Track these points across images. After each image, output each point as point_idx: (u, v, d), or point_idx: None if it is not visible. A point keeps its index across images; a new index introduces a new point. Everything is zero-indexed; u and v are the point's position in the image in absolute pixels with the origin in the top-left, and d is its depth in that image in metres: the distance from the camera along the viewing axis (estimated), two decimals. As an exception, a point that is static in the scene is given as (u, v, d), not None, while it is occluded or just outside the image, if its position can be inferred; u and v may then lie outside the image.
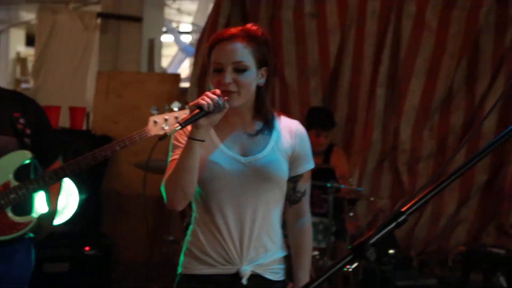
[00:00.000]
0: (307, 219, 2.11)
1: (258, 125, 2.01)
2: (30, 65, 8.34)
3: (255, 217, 1.96)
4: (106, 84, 5.79)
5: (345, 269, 3.66)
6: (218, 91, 1.86)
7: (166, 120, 2.75)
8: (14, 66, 8.61)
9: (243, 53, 1.91)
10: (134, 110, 5.72)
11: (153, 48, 6.42)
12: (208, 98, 1.81)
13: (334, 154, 4.44)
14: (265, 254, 1.99)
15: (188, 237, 2.04)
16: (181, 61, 7.49)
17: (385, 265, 3.67)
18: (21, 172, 2.63)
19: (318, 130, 4.29)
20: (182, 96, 5.63)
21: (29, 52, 8.86)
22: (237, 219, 1.96)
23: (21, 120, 2.64)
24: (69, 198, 3.29)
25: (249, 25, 1.99)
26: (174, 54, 7.74)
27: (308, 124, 4.36)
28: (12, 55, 8.65)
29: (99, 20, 6.38)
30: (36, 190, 2.62)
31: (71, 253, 4.11)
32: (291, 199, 2.07)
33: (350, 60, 5.20)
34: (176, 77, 5.95)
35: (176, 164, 1.89)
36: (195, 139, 1.85)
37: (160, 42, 6.77)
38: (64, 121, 4.86)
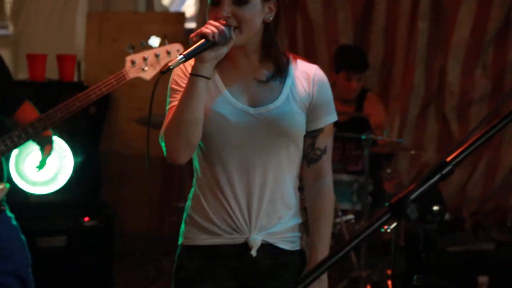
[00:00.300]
0: (329, 180, 2.09)
1: (269, 70, 2.00)
2: (7, 7, 8.32)
3: (265, 179, 1.98)
4: (98, 27, 5.80)
5: (382, 230, 3.75)
6: (222, 21, 1.87)
7: (145, 59, 2.80)
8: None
9: None
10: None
11: (152, -17, 6.39)
12: (212, 27, 1.83)
13: (368, 101, 4.45)
14: (279, 221, 2.01)
15: (189, 202, 2.08)
16: (185, -3, 7.44)
17: (430, 223, 3.69)
18: None
19: (349, 73, 4.29)
20: (187, 38, 5.63)
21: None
22: (244, 181, 1.97)
23: None
24: (63, 162, 3.33)
25: None
26: (177, -11, 7.68)
27: (337, 66, 4.36)
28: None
29: (87, -50, 6.34)
30: (5, 153, 2.68)
31: (68, 225, 4.18)
32: (310, 157, 2.06)
33: (386, -12, 5.13)
34: (180, 17, 5.93)
35: (177, 107, 1.90)
36: (200, 76, 1.87)
37: (160, -25, 6.72)
38: (51, 71, 4.88)
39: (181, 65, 1.95)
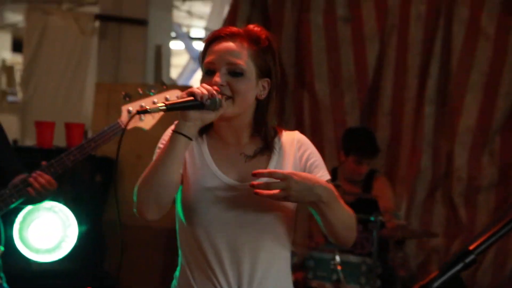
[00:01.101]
0: None
1: (257, 145, 1.98)
2: (17, 75, 8.45)
3: (256, 257, 1.91)
4: (107, 97, 5.86)
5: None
6: (216, 87, 1.84)
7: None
8: (-2, 76, 8.73)
9: (241, 54, 1.90)
10: (139, 128, 5.76)
11: (161, 56, 6.50)
12: (203, 88, 1.80)
13: (377, 183, 4.45)
14: None
15: (175, 282, 2.02)
16: (193, 71, 7.57)
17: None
18: None
19: (359, 158, 4.29)
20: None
21: (16, 60, 8.99)
22: (234, 259, 1.91)
23: None
24: (67, 230, 3.33)
25: (251, 26, 1.97)
26: (185, 63, 7.83)
27: (346, 148, 4.35)
28: (-4, 62, 8.79)
29: (97, 23, 6.47)
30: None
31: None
32: None
33: (391, 72, 5.19)
34: (188, 90, 5.99)
35: (153, 163, 1.86)
36: (181, 134, 1.82)
37: (169, 49, 6.85)
38: (59, 139, 4.92)
39: None
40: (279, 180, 1.81)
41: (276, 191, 1.80)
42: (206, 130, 1.98)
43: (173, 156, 1.82)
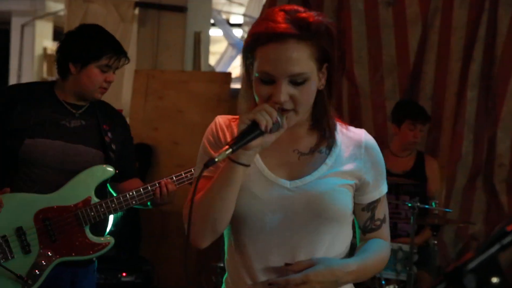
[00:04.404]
0: (387, 244, 1.90)
1: (313, 140, 1.81)
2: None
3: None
4: (145, 84, 5.90)
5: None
6: (277, 105, 1.68)
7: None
8: (40, 64, 8.84)
9: (301, 58, 1.68)
10: (177, 114, 5.80)
11: (199, 43, 6.51)
12: (267, 115, 1.63)
13: (428, 164, 4.52)
14: None
15: (226, 270, 1.89)
16: (232, 58, 7.57)
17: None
18: (99, 188, 2.86)
19: (414, 121, 4.38)
20: (233, 99, 5.67)
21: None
22: (281, 268, 1.74)
23: (109, 134, 2.92)
24: (104, 215, 3.36)
25: (293, 10, 1.71)
26: (224, 50, 7.82)
27: (399, 117, 4.47)
28: (38, 51, 8.89)
29: (137, 10, 6.51)
30: (116, 211, 2.83)
31: (105, 279, 4.18)
32: (369, 228, 1.87)
33: (434, 57, 5.14)
34: (226, 77, 6.01)
35: (208, 191, 1.71)
36: (239, 163, 1.67)
37: (208, 36, 6.85)
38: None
39: (221, 122, 1.83)
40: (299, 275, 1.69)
41: None
42: None
43: (231, 185, 1.68)
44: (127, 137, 3.05)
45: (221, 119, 1.86)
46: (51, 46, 9.20)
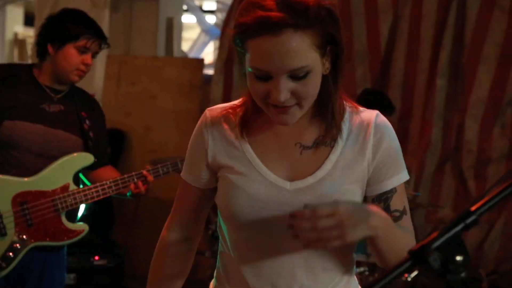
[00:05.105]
0: (412, 232, 1.69)
1: (317, 130, 1.61)
2: (29, 48, 8.45)
3: (308, 274, 1.62)
4: (118, 69, 5.88)
5: (403, 278, 3.64)
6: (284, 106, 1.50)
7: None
8: (11, 49, 8.75)
9: (300, 50, 1.44)
10: (149, 100, 5.80)
11: (172, 29, 6.48)
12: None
13: None
14: None
15: (216, 272, 1.78)
16: (205, 44, 7.54)
17: (452, 274, 3.64)
18: (76, 176, 2.88)
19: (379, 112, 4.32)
20: (206, 85, 5.68)
21: (28, 33, 9.00)
22: (280, 275, 1.61)
23: (87, 122, 2.93)
24: (76, 199, 3.36)
25: None
26: (196, 36, 7.79)
27: (364, 106, 4.36)
28: (8, 36, 8.79)
29: (109, -4, 6.47)
30: (93, 199, 2.85)
31: (78, 262, 4.17)
32: None
33: (404, 44, 5.19)
34: (199, 63, 6.00)
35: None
36: None
37: (180, 23, 6.83)
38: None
39: (212, 117, 1.65)
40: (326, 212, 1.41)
41: (329, 236, 1.41)
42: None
43: None
44: (102, 126, 3.07)
45: (210, 114, 1.67)
46: (22, 31, 9.11)
